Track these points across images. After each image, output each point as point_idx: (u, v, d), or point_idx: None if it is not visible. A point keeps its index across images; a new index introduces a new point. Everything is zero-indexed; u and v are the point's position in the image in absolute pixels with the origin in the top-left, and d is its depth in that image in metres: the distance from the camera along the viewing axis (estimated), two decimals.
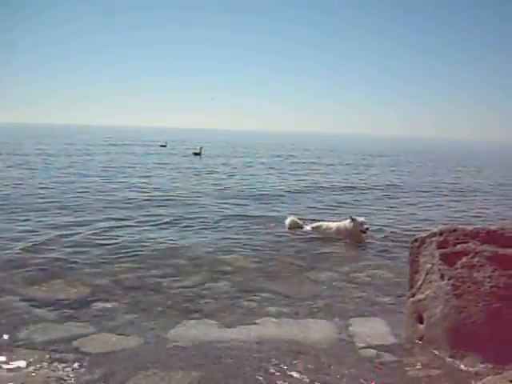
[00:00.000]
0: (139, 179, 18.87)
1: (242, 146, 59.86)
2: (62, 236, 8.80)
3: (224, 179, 20.27)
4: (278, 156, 39.90)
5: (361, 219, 9.33)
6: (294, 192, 16.54)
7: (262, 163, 30.86)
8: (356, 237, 9.25)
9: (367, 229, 9.25)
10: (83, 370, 4.09)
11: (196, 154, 36.66)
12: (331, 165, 31.29)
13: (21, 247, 7.91)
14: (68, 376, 3.97)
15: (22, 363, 4.14)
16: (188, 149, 41.93)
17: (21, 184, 15.85)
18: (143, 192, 15.29)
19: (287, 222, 9.99)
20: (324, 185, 18.96)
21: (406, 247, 5.56)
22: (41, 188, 15.10)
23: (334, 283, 6.65)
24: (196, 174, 22.02)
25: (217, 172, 23.59)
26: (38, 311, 5.37)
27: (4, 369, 4.05)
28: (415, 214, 12.96)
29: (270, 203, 13.86)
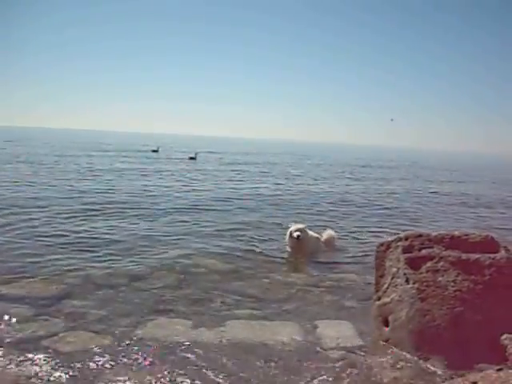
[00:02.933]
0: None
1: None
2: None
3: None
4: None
5: (295, 227, 8.41)
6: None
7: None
8: (293, 248, 8.46)
9: (298, 237, 8.22)
10: (54, 367, 4.06)
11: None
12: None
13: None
14: (38, 374, 3.94)
15: None
16: (184, 152, 42.30)
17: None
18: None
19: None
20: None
21: None
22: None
23: (302, 287, 6.71)
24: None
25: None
26: (8, 309, 5.32)
27: None
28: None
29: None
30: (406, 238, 4.84)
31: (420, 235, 4.86)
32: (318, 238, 8.84)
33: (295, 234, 8.25)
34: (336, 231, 9.54)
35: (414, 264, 4.67)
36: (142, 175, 22.37)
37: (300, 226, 8.43)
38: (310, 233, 8.66)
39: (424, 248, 4.74)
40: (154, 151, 45.74)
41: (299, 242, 8.25)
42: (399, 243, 4.86)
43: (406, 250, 4.77)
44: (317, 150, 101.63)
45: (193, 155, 37.90)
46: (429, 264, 4.63)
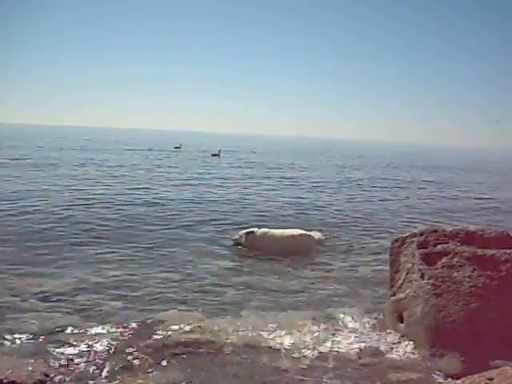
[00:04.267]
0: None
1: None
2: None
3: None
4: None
5: (244, 231, 8.62)
6: None
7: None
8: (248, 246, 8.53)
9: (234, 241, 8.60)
10: (70, 360, 4.12)
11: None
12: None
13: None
14: (54, 367, 3.98)
15: (6, 356, 4.13)
16: (205, 151, 42.52)
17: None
18: None
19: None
20: None
21: None
22: None
23: (315, 279, 6.76)
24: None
25: None
26: (24, 303, 5.39)
27: None
28: None
29: None
30: (421, 234, 4.80)
31: (435, 231, 4.82)
32: (308, 235, 8.78)
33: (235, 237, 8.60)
34: None
35: (429, 259, 4.64)
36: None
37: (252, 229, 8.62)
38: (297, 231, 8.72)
39: (439, 243, 4.70)
40: (176, 148, 45.99)
41: (248, 241, 8.38)
42: (414, 239, 4.83)
43: (420, 246, 4.73)
44: (355, 147, 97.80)
45: (216, 152, 38.19)
46: (444, 259, 4.59)
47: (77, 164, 24.00)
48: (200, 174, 22.32)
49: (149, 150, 42.75)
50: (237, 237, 8.56)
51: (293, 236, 8.52)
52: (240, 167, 27.76)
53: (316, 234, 8.94)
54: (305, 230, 8.91)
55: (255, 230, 8.55)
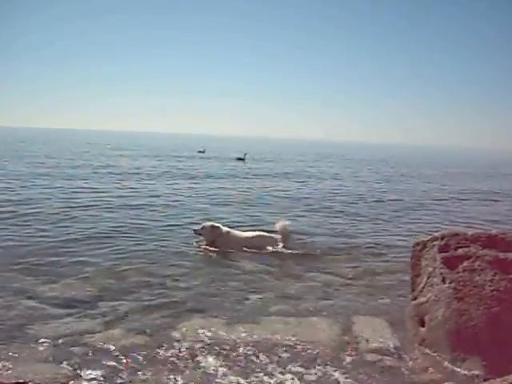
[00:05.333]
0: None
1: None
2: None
3: None
4: None
5: (209, 224, 8.77)
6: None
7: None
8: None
9: (194, 231, 8.82)
10: (91, 365, 4.18)
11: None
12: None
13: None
14: (76, 372, 4.05)
15: (32, 359, 4.24)
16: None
17: None
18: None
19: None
20: None
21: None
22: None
23: (335, 284, 6.75)
24: None
25: None
26: (47, 309, 5.47)
27: (14, 364, 4.12)
28: None
29: None
30: (442, 238, 4.79)
31: (456, 234, 4.80)
32: (268, 237, 8.84)
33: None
34: None
35: (450, 263, 4.62)
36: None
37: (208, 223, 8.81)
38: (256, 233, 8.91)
39: (460, 247, 4.68)
40: (200, 152, 46.34)
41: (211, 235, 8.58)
42: (435, 242, 4.81)
43: (442, 250, 4.72)
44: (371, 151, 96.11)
45: (241, 156, 38.15)
46: (465, 263, 4.57)
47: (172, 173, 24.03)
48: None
49: (177, 156, 40.93)
50: (199, 228, 8.74)
51: (253, 237, 8.74)
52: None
53: (278, 236, 8.91)
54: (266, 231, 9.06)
55: (220, 225, 8.74)
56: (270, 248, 8.61)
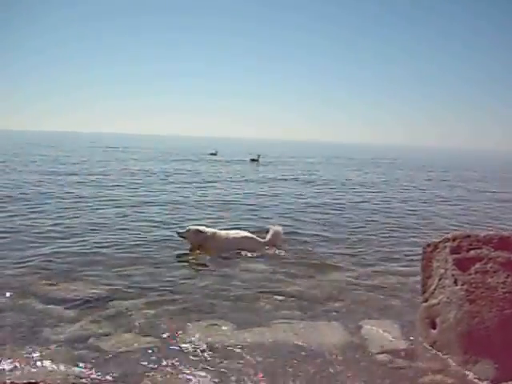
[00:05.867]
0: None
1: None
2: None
3: None
4: None
5: (194, 228, 8.56)
6: None
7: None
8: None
9: (178, 233, 8.59)
10: (100, 367, 4.19)
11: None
12: None
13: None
14: (86, 374, 4.06)
15: (42, 361, 4.25)
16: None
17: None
18: None
19: None
20: None
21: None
22: None
23: (344, 286, 6.72)
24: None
25: None
26: (57, 310, 5.50)
27: (25, 366, 4.15)
28: None
29: None
30: (454, 239, 4.75)
31: (468, 236, 4.76)
32: (252, 238, 8.76)
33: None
34: None
35: (462, 265, 4.58)
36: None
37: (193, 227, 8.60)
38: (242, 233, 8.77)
39: (472, 249, 4.64)
40: (212, 154, 45.98)
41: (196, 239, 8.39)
42: (447, 244, 4.78)
43: (453, 251, 4.68)
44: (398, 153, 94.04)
45: (255, 157, 38.10)
46: (477, 265, 4.53)
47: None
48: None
49: (192, 159, 39.46)
50: (184, 231, 8.51)
51: (237, 238, 8.61)
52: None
53: (263, 236, 8.88)
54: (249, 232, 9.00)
55: (206, 229, 8.55)
56: (258, 249, 8.55)
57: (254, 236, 8.81)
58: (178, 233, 8.58)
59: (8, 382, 3.62)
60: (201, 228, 8.55)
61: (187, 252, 8.36)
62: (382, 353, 4.64)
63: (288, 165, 37.32)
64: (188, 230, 8.49)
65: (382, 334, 5.06)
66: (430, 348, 4.70)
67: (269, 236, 8.85)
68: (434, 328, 4.74)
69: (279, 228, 9.00)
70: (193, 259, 8.00)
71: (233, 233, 8.78)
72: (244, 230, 9.22)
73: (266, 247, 8.67)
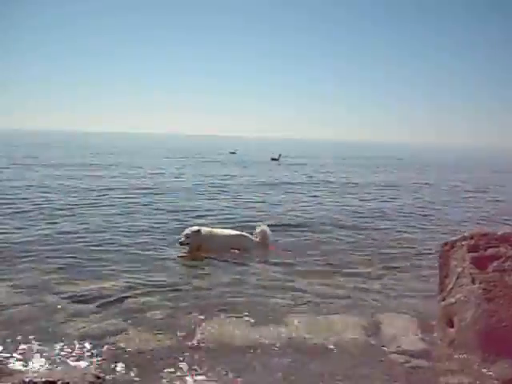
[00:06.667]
0: None
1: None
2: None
3: None
4: None
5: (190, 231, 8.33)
6: None
7: None
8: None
9: (180, 243, 8.29)
10: (117, 364, 4.23)
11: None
12: None
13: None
14: (104, 371, 4.09)
15: (61, 358, 4.30)
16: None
17: None
18: None
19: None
20: None
21: None
22: None
23: (359, 285, 6.71)
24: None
25: None
26: (74, 307, 5.57)
27: (42, 363, 4.20)
28: None
29: None
30: (471, 237, 4.72)
31: (485, 234, 4.73)
32: (245, 236, 8.75)
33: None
34: None
35: (479, 263, 4.56)
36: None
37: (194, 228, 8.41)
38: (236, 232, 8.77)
39: (490, 247, 4.62)
40: (231, 153, 47.27)
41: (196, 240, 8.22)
42: (464, 242, 4.75)
43: (471, 250, 4.66)
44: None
45: (276, 156, 38.53)
46: (495, 263, 4.51)
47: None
48: None
49: (205, 160, 37.91)
50: (182, 238, 8.25)
51: (232, 236, 8.62)
52: None
53: (256, 235, 8.85)
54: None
55: (201, 228, 8.42)
56: (252, 247, 8.57)
57: (248, 235, 8.81)
58: (180, 242, 8.25)
59: (26, 380, 3.67)
60: (197, 228, 8.37)
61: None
62: (399, 352, 4.62)
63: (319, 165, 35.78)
64: (187, 237, 8.20)
65: (399, 332, 5.04)
66: (448, 347, 4.67)
67: (259, 236, 8.83)
68: (452, 327, 4.71)
69: (266, 227, 8.98)
70: (206, 257, 8.03)
71: (228, 231, 8.79)
72: None
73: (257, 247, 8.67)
